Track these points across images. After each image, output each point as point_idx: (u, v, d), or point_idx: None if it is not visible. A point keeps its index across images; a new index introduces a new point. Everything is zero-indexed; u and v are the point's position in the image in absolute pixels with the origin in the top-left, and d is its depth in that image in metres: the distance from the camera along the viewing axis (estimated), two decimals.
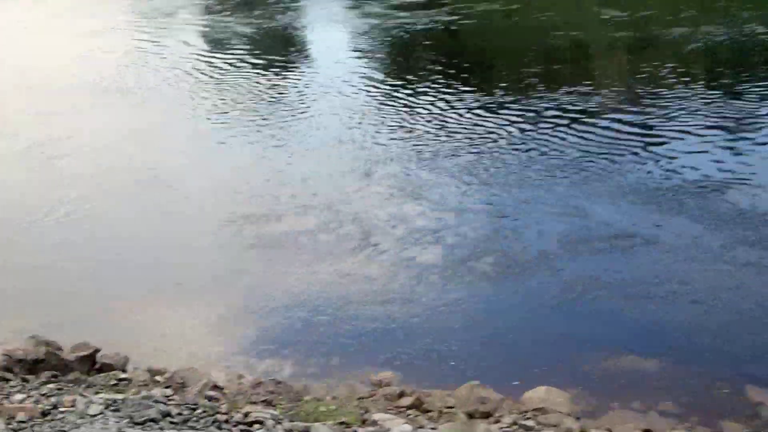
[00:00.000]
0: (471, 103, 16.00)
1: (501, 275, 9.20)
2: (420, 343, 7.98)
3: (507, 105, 15.77)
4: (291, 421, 6.09)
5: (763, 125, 13.56)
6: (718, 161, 11.99)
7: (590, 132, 13.67)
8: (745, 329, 7.83)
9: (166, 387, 6.94)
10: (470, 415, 6.65)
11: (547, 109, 15.21)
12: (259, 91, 18.24)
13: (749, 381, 7.07)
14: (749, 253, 9.11)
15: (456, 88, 17.30)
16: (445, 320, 8.37)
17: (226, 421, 5.93)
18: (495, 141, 13.67)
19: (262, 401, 6.81)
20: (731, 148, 12.58)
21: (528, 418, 6.62)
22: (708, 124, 13.77)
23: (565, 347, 7.86)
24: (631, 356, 7.59)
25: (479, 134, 14.05)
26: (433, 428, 6.14)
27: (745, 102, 14.79)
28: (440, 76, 18.45)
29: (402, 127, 14.73)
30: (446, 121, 14.89)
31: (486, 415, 6.67)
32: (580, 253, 9.55)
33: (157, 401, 6.16)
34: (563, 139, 13.51)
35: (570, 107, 15.22)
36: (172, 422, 5.82)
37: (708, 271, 8.93)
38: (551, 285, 8.95)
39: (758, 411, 6.75)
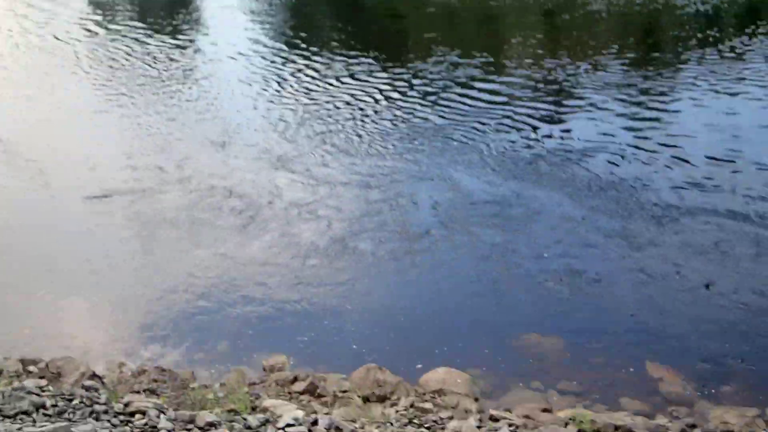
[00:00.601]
0: (341, 72, 16.06)
1: (387, 253, 9.02)
2: (313, 325, 7.74)
3: (377, 74, 15.91)
4: (176, 410, 5.77)
5: (632, 97, 13.88)
6: (580, 131, 12.37)
7: (458, 102, 13.89)
8: (645, 307, 7.86)
9: (40, 377, 6.54)
10: (366, 399, 6.46)
11: (417, 77, 15.39)
12: (143, 58, 17.89)
13: (648, 357, 7.09)
14: (645, 228, 9.20)
15: (329, 57, 17.45)
16: (337, 301, 8.14)
17: (105, 412, 5.57)
18: (363, 110, 13.73)
19: (145, 390, 6.47)
20: (601, 119, 12.95)
21: (426, 401, 6.47)
22: (580, 94, 14.09)
23: (465, 328, 7.73)
24: (533, 335, 7.52)
25: (348, 103, 14.11)
26: (327, 413, 5.92)
27: (625, 73, 15.17)
28: (314, 45, 18.58)
29: (280, 97, 14.79)
30: (316, 90, 15.00)
31: (382, 399, 6.49)
32: (460, 228, 9.48)
33: (29, 392, 5.75)
34: (432, 108, 13.67)
35: (440, 77, 15.40)
36: (46, 414, 5.44)
37: (602, 246, 8.98)
38: (443, 263, 8.84)
39: (657, 387, 6.77)
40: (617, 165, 11.00)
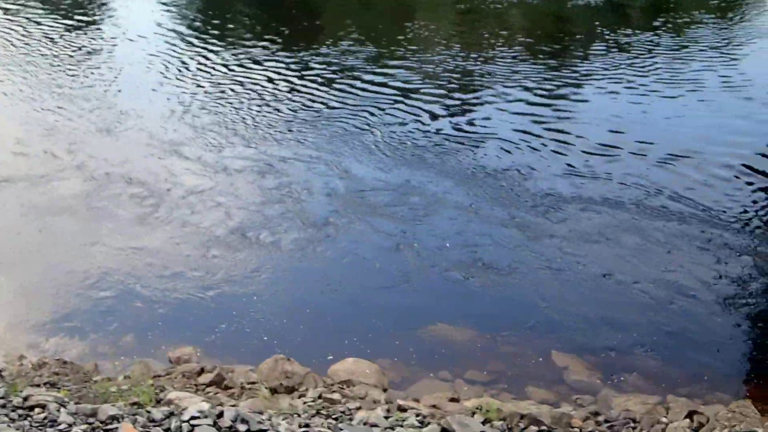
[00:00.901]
0: (243, 58, 15.99)
1: (290, 242, 8.99)
2: (220, 317, 7.67)
3: (281, 61, 15.86)
4: (77, 403, 5.65)
5: (533, 88, 14.13)
6: (477, 120, 12.56)
7: (360, 90, 13.96)
8: (552, 297, 8.00)
9: None
10: (274, 390, 6.44)
11: (321, 65, 15.43)
12: (39, 39, 17.44)
13: (554, 347, 7.23)
14: (542, 217, 9.35)
15: (234, 43, 17.40)
16: (244, 292, 8.08)
17: (3, 406, 5.43)
18: (262, 97, 13.70)
19: (46, 383, 6.31)
20: (488, 109, 13.20)
21: (334, 392, 6.47)
22: (483, 85, 14.35)
23: (374, 318, 7.75)
24: (442, 325, 7.59)
25: (250, 90, 14.05)
26: (233, 405, 5.87)
27: (529, 64, 15.46)
28: (221, 30, 18.48)
29: (180, 82, 14.65)
30: (217, 76, 14.91)
31: (290, 390, 6.48)
32: (360, 217, 9.51)
33: None
34: (332, 96, 13.70)
35: (344, 65, 15.46)
36: None
37: (501, 235, 9.10)
38: (347, 252, 8.87)
39: (562, 376, 6.91)
40: (513, 155, 11.17)
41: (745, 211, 9.41)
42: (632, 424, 6.14)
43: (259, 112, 12.96)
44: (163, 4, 21.59)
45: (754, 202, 9.67)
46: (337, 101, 13.43)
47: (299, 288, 8.27)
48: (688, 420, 6.10)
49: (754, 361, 7.16)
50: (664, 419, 6.19)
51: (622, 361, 7.06)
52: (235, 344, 7.35)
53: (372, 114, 12.77)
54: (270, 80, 14.57)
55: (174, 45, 17.30)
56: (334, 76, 14.83)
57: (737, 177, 10.25)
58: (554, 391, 6.76)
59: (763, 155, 10.94)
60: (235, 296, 8.01)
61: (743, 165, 10.53)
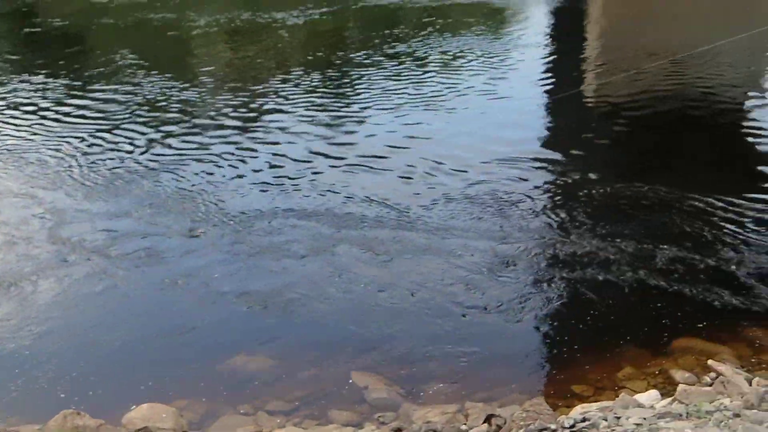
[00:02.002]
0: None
1: (81, 290, 8.71)
2: (2, 372, 7.27)
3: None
4: None
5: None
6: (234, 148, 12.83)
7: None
8: (345, 317, 8.12)
9: None
10: None
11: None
12: None
13: (353, 368, 7.33)
14: (327, 241, 9.52)
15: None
16: (27, 343, 7.71)
17: None
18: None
19: None
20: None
21: None
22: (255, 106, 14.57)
23: (167, 359, 7.59)
24: (239, 357, 7.53)
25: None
26: None
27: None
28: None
29: None
30: None
31: None
32: (98, 255, 9.35)
33: None
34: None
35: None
36: None
37: (302, 262, 9.17)
38: (123, 295, 8.66)
39: (363, 395, 7.01)
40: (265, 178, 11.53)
41: (508, 217, 9.97)
42: None
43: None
44: None
45: (514, 206, 10.28)
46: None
47: (82, 337, 7.94)
48: (486, 424, 6.35)
49: (543, 359, 7.56)
50: (464, 426, 6.41)
51: (420, 374, 7.24)
52: (20, 401, 6.98)
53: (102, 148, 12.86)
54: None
55: None
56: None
57: (503, 184, 10.93)
58: (357, 412, 6.84)
59: (509, 162, 11.66)
60: (18, 349, 7.61)
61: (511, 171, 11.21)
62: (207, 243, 9.57)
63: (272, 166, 11.93)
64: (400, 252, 9.21)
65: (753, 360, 7.21)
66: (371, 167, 11.76)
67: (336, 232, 9.71)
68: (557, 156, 12.12)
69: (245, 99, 15.55)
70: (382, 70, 17.40)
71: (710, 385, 6.66)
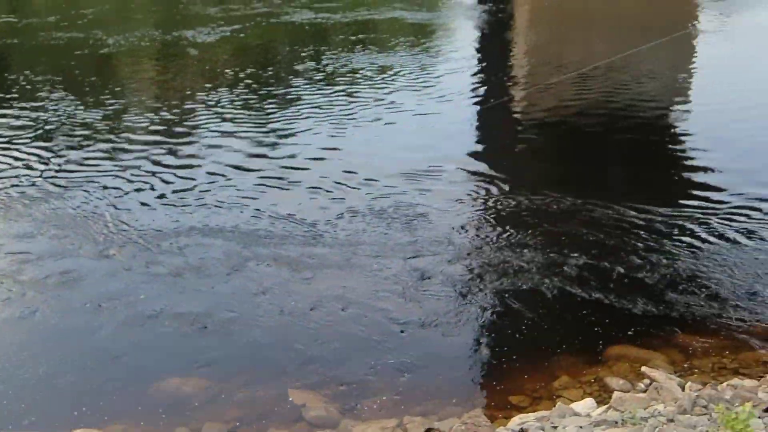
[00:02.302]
0: None
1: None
2: None
3: None
4: None
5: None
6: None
7: None
8: (278, 335, 8.09)
9: None
10: None
11: None
12: None
13: (290, 386, 7.29)
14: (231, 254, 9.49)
15: None
16: None
17: None
18: None
19: None
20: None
21: None
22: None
23: (102, 380, 7.44)
24: (173, 379, 7.43)
25: None
26: None
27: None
28: None
29: None
30: None
31: None
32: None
33: None
34: None
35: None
36: None
37: (224, 281, 9.11)
38: (60, 318, 8.44)
39: (301, 413, 6.97)
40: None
41: (427, 230, 10.10)
42: None
43: None
44: None
45: (432, 219, 10.44)
46: None
47: (5, 364, 7.70)
48: None
49: (480, 371, 7.63)
50: None
51: (358, 389, 7.23)
52: None
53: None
54: None
55: None
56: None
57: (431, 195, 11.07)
58: (295, 430, 6.80)
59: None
60: None
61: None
62: (123, 264, 9.38)
63: (185, 183, 11.80)
64: (319, 267, 9.22)
65: (685, 365, 7.37)
66: (289, 181, 11.82)
67: (253, 248, 9.64)
68: (480, 167, 12.34)
69: (157, 117, 15.44)
70: (304, 86, 17.45)
71: (644, 392, 6.78)
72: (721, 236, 9.65)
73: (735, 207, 10.47)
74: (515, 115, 15.73)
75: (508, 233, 9.83)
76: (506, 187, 11.29)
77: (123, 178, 12.04)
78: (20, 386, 7.38)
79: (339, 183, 11.58)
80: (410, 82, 17.66)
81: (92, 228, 10.28)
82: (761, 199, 10.69)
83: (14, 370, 7.62)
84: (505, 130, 14.58)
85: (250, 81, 17.99)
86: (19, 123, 14.88)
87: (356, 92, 16.73)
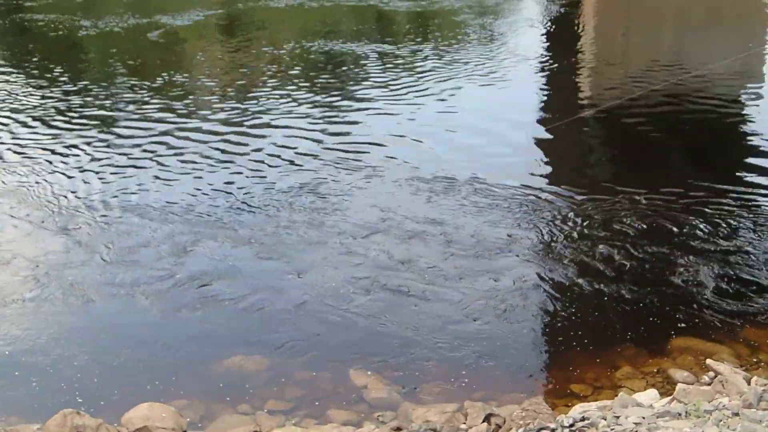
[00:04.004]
0: None
1: (62, 298, 8.68)
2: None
3: None
4: None
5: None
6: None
7: None
8: (337, 316, 8.23)
9: None
10: None
11: None
12: None
13: (351, 367, 7.44)
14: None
15: None
16: (24, 345, 7.79)
17: None
18: None
19: None
20: None
21: None
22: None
23: (165, 359, 7.69)
24: (236, 357, 7.62)
25: None
26: None
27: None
28: None
29: None
30: None
31: None
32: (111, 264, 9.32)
33: None
34: None
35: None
36: None
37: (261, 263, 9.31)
38: (120, 296, 8.70)
39: (362, 395, 7.12)
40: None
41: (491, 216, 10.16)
42: None
43: None
44: None
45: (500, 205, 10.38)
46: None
47: (79, 341, 7.99)
48: (485, 423, 6.47)
49: (541, 359, 7.69)
50: (463, 425, 6.53)
51: (418, 373, 7.36)
52: (19, 401, 7.07)
53: None
54: None
55: None
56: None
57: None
58: (356, 411, 6.94)
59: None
60: (12, 355, 7.69)
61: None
62: (185, 244, 9.67)
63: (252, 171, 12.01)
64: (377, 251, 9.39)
65: (751, 359, 7.35)
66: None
67: (323, 233, 9.84)
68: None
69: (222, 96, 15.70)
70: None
71: (709, 385, 6.78)
72: None
73: None
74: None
75: (570, 228, 9.85)
76: (573, 183, 11.30)
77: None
78: (92, 359, 7.65)
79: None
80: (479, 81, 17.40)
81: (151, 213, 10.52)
82: None
83: (88, 345, 7.91)
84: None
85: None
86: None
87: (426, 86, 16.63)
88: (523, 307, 8.29)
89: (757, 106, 15.04)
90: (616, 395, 6.60)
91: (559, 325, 8.09)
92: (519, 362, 7.54)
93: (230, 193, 11.12)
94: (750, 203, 10.42)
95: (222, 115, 14.58)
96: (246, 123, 14.09)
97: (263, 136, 13.37)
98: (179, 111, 14.98)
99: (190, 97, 16.08)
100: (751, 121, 14.26)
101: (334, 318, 8.20)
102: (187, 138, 13.37)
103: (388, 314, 8.22)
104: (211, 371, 7.49)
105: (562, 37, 21.58)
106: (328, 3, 25.05)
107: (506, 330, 7.95)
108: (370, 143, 12.93)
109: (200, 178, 11.72)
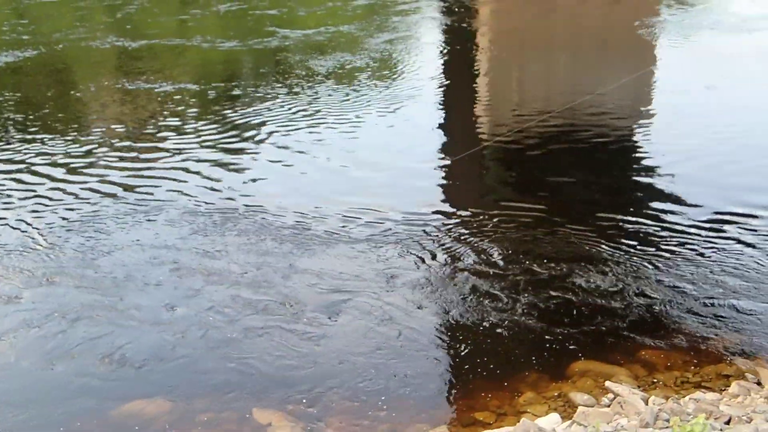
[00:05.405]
0: None
1: None
2: None
3: None
4: None
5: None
6: None
7: None
8: (236, 353, 8.22)
9: None
10: None
11: None
12: None
13: (254, 405, 7.43)
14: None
15: None
16: None
17: None
18: None
19: None
20: None
21: None
22: None
23: (64, 408, 7.52)
24: (137, 402, 7.50)
25: None
26: None
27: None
28: None
29: None
30: None
31: None
32: None
33: None
34: None
35: None
36: None
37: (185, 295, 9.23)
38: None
39: None
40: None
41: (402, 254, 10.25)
42: None
43: None
44: None
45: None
46: None
47: None
48: None
49: (445, 388, 7.77)
50: None
51: (322, 406, 7.36)
52: None
53: None
54: None
55: None
56: None
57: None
58: None
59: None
60: None
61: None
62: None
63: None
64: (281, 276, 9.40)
65: (648, 379, 7.59)
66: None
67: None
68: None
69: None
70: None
71: (608, 406, 6.99)
72: (684, 250, 9.89)
73: (701, 221, 10.72)
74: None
75: (469, 255, 9.99)
76: (472, 206, 11.49)
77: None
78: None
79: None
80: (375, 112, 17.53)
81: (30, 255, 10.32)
82: (728, 213, 10.92)
83: None
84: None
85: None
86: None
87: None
88: (424, 337, 8.38)
89: (651, 123, 15.64)
90: (519, 421, 6.75)
91: (462, 353, 8.19)
92: (423, 393, 7.61)
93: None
94: (645, 224, 10.72)
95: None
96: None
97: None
98: None
99: None
100: (644, 137, 14.81)
101: (231, 356, 8.15)
102: None
103: (285, 350, 8.22)
104: (112, 419, 7.35)
105: (457, 64, 21.84)
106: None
107: (409, 361, 8.02)
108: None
109: None
